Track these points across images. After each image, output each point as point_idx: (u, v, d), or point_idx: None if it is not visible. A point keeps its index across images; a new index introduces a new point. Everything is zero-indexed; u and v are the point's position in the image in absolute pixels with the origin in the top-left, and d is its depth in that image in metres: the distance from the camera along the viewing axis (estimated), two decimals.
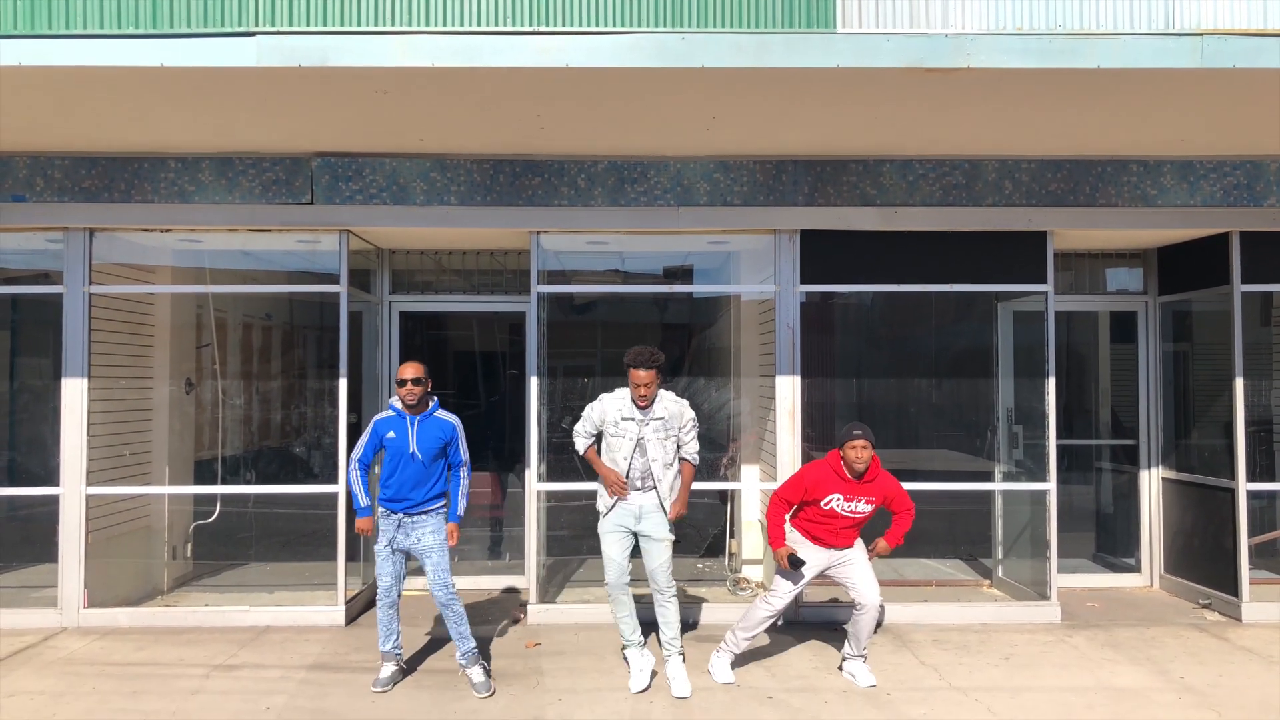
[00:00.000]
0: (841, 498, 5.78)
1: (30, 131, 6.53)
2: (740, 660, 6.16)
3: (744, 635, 5.97)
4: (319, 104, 5.92)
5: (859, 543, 5.97)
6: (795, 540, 5.95)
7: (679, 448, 5.91)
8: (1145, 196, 7.22)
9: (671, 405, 5.90)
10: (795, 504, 5.92)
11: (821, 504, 5.80)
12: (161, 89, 5.62)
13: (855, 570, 5.88)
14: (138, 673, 6.08)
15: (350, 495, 5.95)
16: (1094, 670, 6.11)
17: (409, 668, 6.12)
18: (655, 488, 5.83)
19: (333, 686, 5.79)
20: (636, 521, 5.81)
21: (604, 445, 5.94)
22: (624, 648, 6.01)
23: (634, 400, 5.82)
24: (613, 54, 5.19)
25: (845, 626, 6.08)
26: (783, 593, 5.89)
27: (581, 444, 6.03)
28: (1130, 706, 5.45)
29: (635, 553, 5.91)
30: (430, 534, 5.79)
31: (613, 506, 5.84)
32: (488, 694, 5.63)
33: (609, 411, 5.89)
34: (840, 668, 6.08)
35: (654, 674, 5.88)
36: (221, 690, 5.74)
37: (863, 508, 5.80)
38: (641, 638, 5.93)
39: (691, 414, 5.96)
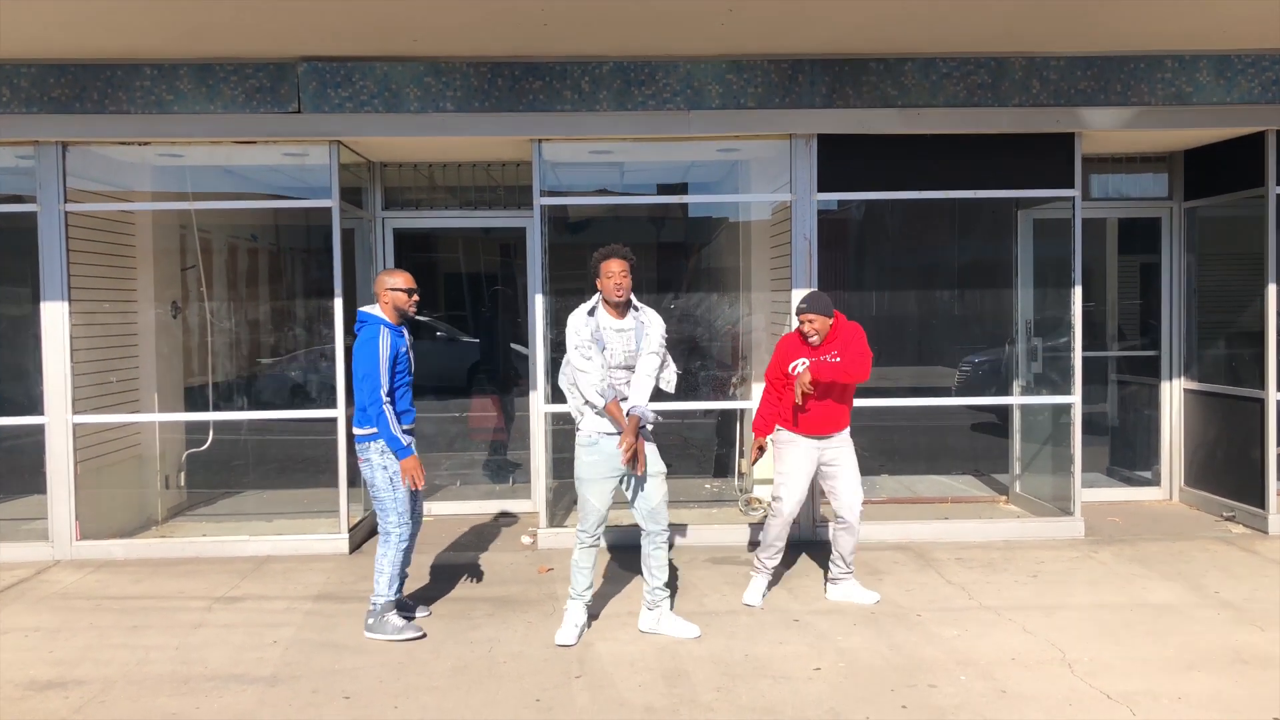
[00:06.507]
0: (808, 361, 5.52)
1: None
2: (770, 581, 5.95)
3: (765, 554, 5.77)
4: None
5: (848, 446, 5.67)
6: (785, 439, 5.69)
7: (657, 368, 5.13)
8: (1180, 94, 6.85)
9: (648, 312, 5.18)
10: (778, 380, 5.71)
11: (789, 370, 5.61)
12: None
13: (841, 479, 5.63)
14: (137, 606, 5.84)
15: (388, 438, 5.11)
16: (1125, 586, 5.94)
17: (426, 597, 5.89)
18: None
19: (340, 617, 5.57)
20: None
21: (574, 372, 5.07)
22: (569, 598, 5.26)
23: (609, 301, 5.00)
24: None
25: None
26: (786, 497, 5.65)
27: (599, 395, 4.94)
28: (1170, 623, 5.28)
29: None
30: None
31: (595, 443, 5.05)
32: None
33: (584, 328, 4.99)
34: (826, 590, 5.85)
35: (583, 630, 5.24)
36: (225, 623, 5.51)
37: (830, 360, 5.53)
38: (590, 595, 5.22)
39: (663, 325, 5.18)
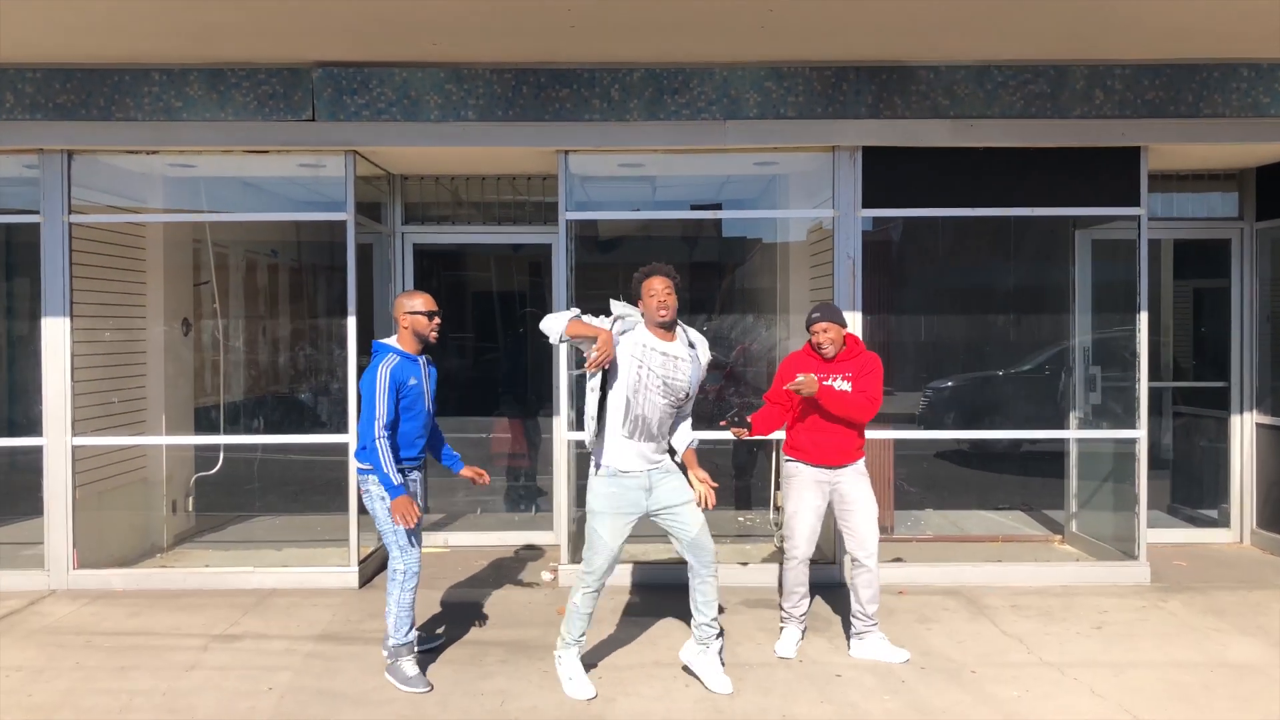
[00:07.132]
0: (816, 377, 5.01)
1: None
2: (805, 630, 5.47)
3: (787, 603, 5.31)
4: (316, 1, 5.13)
5: (863, 480, 5.17)
6: (791, 471, 5.24)
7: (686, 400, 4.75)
8: (1256, 105, 6.34)
9: (700, 340, 4.80)
10: (781, 401, 5.23)
11: (794, 381, 5.05)
12: None
13: (856, 516, 5.13)
14: (128, 644, 5.45)
15: (380, 476, 4.73)
16: (1201, 642, 5.40)
17: (431, 640, 5.46)
18: (669, 443, 4.79)
19: (343, 661, 5.15)
20: (647, 495, 4.65)
21: (613, 386, 4.61)
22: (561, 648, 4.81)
23: (653, 322, 4.62)
24: None
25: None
26: (796, 535, 5.19)
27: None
28: (1255, 686, 4.74)
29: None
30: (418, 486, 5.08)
31: (613, 476, 4.64)
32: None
33: (631, 333, 4.62)
34: (849, 647, 5.27)
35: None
36: (219, 665, 5.11)
37: (840, 385, 5.04)
38: (584, 639, 4.81)
39: (709, 356, 4.85)
